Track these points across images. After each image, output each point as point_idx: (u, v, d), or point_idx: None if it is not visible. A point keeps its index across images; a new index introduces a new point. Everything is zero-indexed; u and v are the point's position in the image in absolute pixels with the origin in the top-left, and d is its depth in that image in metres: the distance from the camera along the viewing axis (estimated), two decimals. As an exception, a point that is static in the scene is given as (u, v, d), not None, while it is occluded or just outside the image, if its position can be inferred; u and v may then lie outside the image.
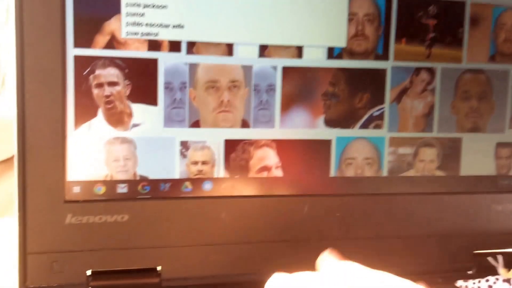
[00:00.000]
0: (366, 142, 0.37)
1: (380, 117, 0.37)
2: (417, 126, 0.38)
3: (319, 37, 0.36)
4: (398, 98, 0.38)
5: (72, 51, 0.32)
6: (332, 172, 0.37)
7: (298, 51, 0.36)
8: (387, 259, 0.37)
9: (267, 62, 0.35)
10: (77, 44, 0.32)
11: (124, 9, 0.33)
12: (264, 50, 0.35)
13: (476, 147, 0.39)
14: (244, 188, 0.36)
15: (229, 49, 0.35)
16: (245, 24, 0.35)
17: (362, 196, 0.37)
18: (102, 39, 0.33)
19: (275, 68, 0.36)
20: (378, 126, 0.37)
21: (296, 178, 0.37)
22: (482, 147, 0.39)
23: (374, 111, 0.37)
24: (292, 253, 0.36)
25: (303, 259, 0.36)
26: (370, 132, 0.37)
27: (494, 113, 0.39)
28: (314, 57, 0.36)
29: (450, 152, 0.39)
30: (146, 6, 0.33)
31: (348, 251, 0.37)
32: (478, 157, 0.39)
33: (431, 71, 0.38)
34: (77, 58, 0.32)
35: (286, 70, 0.36)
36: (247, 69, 0.35)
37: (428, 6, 0.37)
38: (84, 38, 0.32)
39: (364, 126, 0.37)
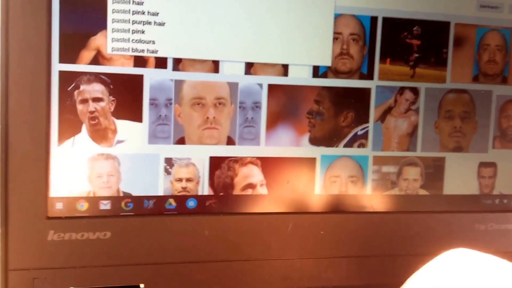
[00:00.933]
0: (350, 160, 0.38)
1: (365, 136, 0.38)
2: (401, 145, 0.39)
3: (305, 56, 0.36)
4: (383, 117, 0.38)
5: (57, 66, 0.32)
6: (317, 190, 0.37)
7: (284, 69, 0.36)
8: (370, 278, 0.37)
9: (253, 80, 0.36)
10: (62, 60, 0.32)
11: (110, 25, 0.33)
12: (250, 68, 0.36)
13: (459, 166, 0.40)
14: (228, 205, 0.36)
15: (215, 66, 0.35)
16: (231, 41, 0.35)
17: (346, 214, 0.38)
18: (87, 54, 0.33)
19: (261, 85, 0.36)
20: (362, 145, 0.38)
21: (281, 195, 0.37)
22: (465, 167, 0.40)
23: (359, 130, 0.38)
24: (277, 270, 0.36)
25: (287, 276, 0.36)
26: (354, 151, 0.38)
27: (477, 132, 0.40)
28: (300, 75, 0.36)
29: (434, 171, 0.39)
30: (133, 22, 0.33)
31: (332, 269, 0.37)
32: (461, 177, 0.40)
33: (415, 90, 0.38)
34: (62, 74, 0.32)
35: (272, 88, 0.36)
36: (233, 86, 0.35)
37: (413, 26, 0.38)
38: (69, 53, 0.32)
39: (349, 144, 0.37)
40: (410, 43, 0.38)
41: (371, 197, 0.38)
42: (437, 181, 0.40)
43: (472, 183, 0.40)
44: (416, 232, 0.38)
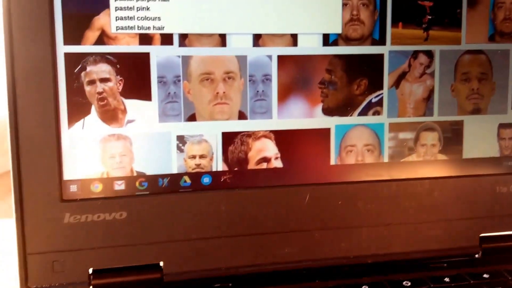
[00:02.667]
0: (365, 129, 0.37)
1: (379, 103, 0.37)
2: (417, 110, 0.38)
3: (314, 24, 0.35)
4: (397, 83, 0.37)
5: (62, 49, 0.32)
6: (333, 160, 0.37)
7: (293, 39, 0.35)
8: (392, 246, 0.37)
9: (261, 52, 0.35)
10: (66, 41, 0.32)
11: (113, 4, 0.32)
12: (258, 40, 0.35)
13: (478, 129, 0.39)
14: (243, 180, 0.35)
15: (222, 39, 0.34)
16: (237, 13, 0.34)
17: (363, 183, 0.37)
18: (92, 35, 0.32)
19: (270, 57, 0.35)
20: (377, 113, 0.37)
21: (296, 168, 0.36)
22: (484, 129, 0.39)
23: (373, 97, 0.37)
24: (295, 243, 0.36)
25: (305, 249, 0.36)
26: (369, 119, 0.37)
27: (495, 94, 0.39)
28: (309, 45, 0.36)
29: (452, 136, 0.38)
30: (135, -1, 0.33)
31: (353, 240, 0.37)
32: (480, 139, 0.39)
33: (429, 54, 0.37)
34: (67, 56, 0.32)
35: (282, 59, 0.35)
36: (241, 59, 0.35)
37: (424, -13, 0.36)
38: (73, 34, 0.32)
39: (363, 113, 0.37)
40: (422, 5, 0.37)
41: (389, 165, 0.37)
42: (456, 145, 0.39)
43: (492, 145, 0.39)
44: (435, 198, 0.38)
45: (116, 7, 0.32)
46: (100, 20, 0.32)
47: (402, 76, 0.37)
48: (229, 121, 0.35)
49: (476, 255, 0.39)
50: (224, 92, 0.35)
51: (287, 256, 0.36)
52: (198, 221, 0.34)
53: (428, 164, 0.38)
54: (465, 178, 0.38)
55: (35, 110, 0.31)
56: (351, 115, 0.37)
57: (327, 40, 0.36)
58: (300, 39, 0.35)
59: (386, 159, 0.37)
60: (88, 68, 0.32)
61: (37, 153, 0.32)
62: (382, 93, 0.37)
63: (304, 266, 0.36)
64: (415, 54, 0.37)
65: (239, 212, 0.35)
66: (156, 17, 0.33)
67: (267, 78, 0.35)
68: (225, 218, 0.35)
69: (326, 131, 0.36)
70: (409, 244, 0.38)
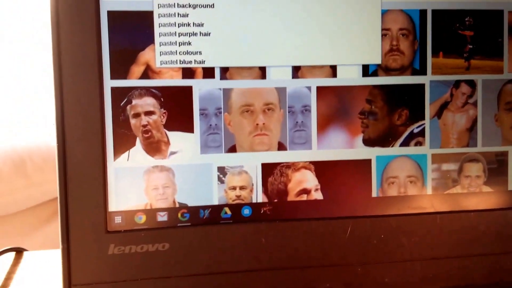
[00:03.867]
0: (407, 160, 0.37)
1: (421, 133, 0.37)
2: (460, 141, 0.37)
3: (353, 55, 0.36)
4: (439, 113, 0.37)
5: (109, 83, 0.33)
6: (374, 192, 0.37)
7: (332, 70, 0.36)
8: (437, 281, 0.36)
9: (300, 83, 0.36)
10: (113, 76, 0.33)
11: (157, 39, 0.34)
12: (297, 71, 0.35)
13: (524, 159, 0.38)
14: (283, 212, 0.36)
15: (262, 72, 0.35)
16: (277, 46, 0.35)
17: (407, 216, 0.36)
18: (137, 69, 0.34)
19: (309, 88, 0.36)
20: (419, 143, 0.37)
21: (337, 200, 0.36)
22: (531, 160, 0.38)
23: (415, 128, 0.37)
24: (337, 278, 0.36)
25: (348, 284, 0.36)
26: (411, 150, 0.37)
27: (542, 123, 0.38)
28: (349, 76, 0.36)
29: (497, 166, 0.38)
30: (179, 34, 0.34)
31: (397, 274, 0.36)
32: (527, 170, 0.38)
33: (471, 83, 0.37)
34: (114, 90, 0.33)
35: (321, 90, 0.36)
36: (281, 91, 0.35)
37: (464, 17, 0.37)
38: (120, 69, 0.33)
39: (405, 143, 0.37)
40: (463, 35, 0.37)
41: (432, 197, 0.37)
42: (501, 176, 0.38)
43: (539, 177, 0.38)
44: (482, 231, 0.37)
45: (160, 42, 0.34)
46: (145, 55, 0.34)
47: (444, 106, 0.37)
48: (268, 152, 0.35)
49: (526, 291, 0.37)
50: (263, 123, 0.35)
51: (329, 290, 0.36)
52: (238, 253, 0.35)
53: (473, 196, 0.37)
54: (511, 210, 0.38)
55: (82, 142, 0.33)
56: (392, 146, 0.37)
57: (366, 70, 0.36)
58: (339, 70, 0.36)
59: (429, 191, 0.37)
60: (134, 102, 0.34)
61: (84, 184, 0.33)
62: (424, 124, 0.37)
63: (346, 300, 0.36)
64: (456, 83, 0.37)
65: (279, 245, 0.35)
66: (197, 52, 0.34)
67: (306, 109, 0.36)
68: (265, 250, 0.35)
69: (367, 162, 0.36)
70: (455, 279, 0.37)
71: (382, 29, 0.36)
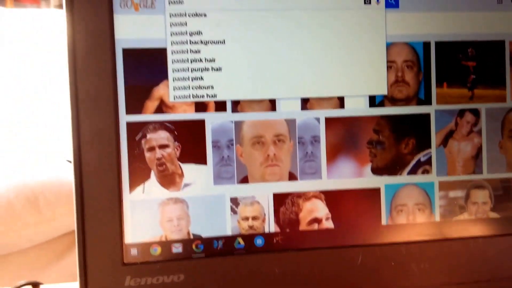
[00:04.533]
0: (415, 188, 0.38)
1: (428, 161, 0.38)
2: (466, 168, 0.38)
3: (360, 87, 0.37)
4: (445, 142, 0.38)
5: (125, 118, 0.34)
6: (384, 220, 0.37)
7: (340, 102, 0.37)
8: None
9: (310, 115, 0.37)
10: (129, 111, 0.34)
11: (171, 75, 0.35)
12: (306, 103, 0.37)
13: (529, 186, 0.39)
14: (295, 241, 0.36)
15: (272, 104, 0.36)
16: (286, 79, 0.36)
17: (416, 243, 0.37)
18: (151, 104, 0.35)
19: (318, 119, 0.37)
20: (426, 171, 0.38)
21: (348, 228, 0.37)
22: (536, 186, 0.39)
23: (421, 156, 0.38)
24: (349, 305, 0.36)
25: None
26: (418, 178, 0.38)
27: (545, 150, 0.39)
28: (356, 106, 0.37)
29: (503, 193, 0.39)
30: (192, 70, 0.35)
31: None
32: (532, 196, 0.39)
33: (475, 112, 0.38)
34: (129, 125, 0.35)
35: (329, 121, 0.37)
36: (290, 122, 0.37)
37: (467, 48, 0.38)
38: (135, 105, 0.35)
39: (412, 172, 0.38)
40: (466, 65, 0.38)
41: (441, 224, 0.38)
42: (507, 202, 0.39)
43: (545, 202, 0.39)
44: (490, 256, 0.38)
45: (173, 78, 0.35)
46: (159, 91, 0.35)
47: (449, 135, 0.38)
48: (280, 182, 0.36)
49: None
50: (274, 154, 0.36)
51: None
52: (252, 283, 0.35)
53: (480, 223, 0.38)
54: (519, 236, 0.38)
55: (99, 175, 0.34)
56: (400, 174, 0.38)
57: (373, 101, 0.37)
58: (346, 101, 0.37)
59: (437, 218, 0.38)
60: (148, 136, 0.35)
61: (101, 217, 0.34)
62: (430, 152, 0.38)
63: (359, 328, 0.36)
64: (461, 113, 0.38)
65: (293, 274, 0.36)
66: (209, 86, 0.36)
67: (315, 140, 0.37)
68: (279, 279, 0.36)
69: (376, 191, 0.37)
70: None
71: (388, 61, 0.37)
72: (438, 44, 0.38)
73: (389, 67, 0.37)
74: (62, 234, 0.77)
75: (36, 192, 0.74)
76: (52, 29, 0.96)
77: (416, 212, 0.38)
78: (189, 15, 0.35)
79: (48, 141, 0.89)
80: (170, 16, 0.35)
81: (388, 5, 0.37)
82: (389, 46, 0.37)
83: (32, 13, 1.00)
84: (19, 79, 0.92)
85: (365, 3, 0.37)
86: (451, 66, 0.38)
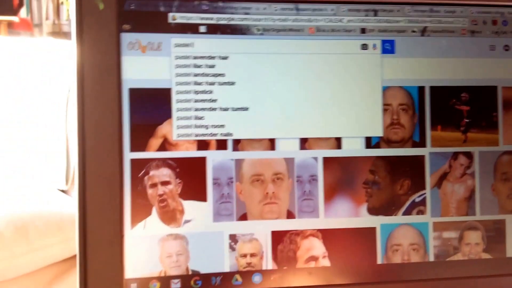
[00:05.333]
0: (410, 228, 0.39)
1: (422, 202, 0.39)
2: (459, 210, 0.40)
3: (357, 128, 0.39)
4: (439, 183, 0.39)
5: (129, 155, 0.36)
6: (379, 259, 0.38)
7: (337, 142, 0.38)
8: None
9: (308, 154, 0.38)
10: (133, 149, 0.36)
11: (175, 114, 0.36)
12: (304, 143, 0.38)
13: (521, 227, 0.40)
14: (293, 279, 0.37)
15: (271, 143, 0.38)
16: (285, 120, 0.38)
17: (411, 282, 0.38)
18: (155, 142, 0.36)
19: (316, 159, 0.38)
20: (421, 212, 0.39)
21: (344, 267, 0.38)
22: (527, 228, 0.40)
23: (416, 197, 0.39)
24: None
25: None
26: (413, 218, 0.39)
27: (536, 193, 0.41)
28: (353, 147, 0.39)
29: (495, 234, 0.40)
30: (195, 109, 0.37)
31: None
32: (524, 238, 0.40)
33: (469, 155, 0.40)
34: (133, 161, 0.36)
35: (327, 161, 0.38)
36: (289, 161, 0.38)
37: (460, 93, 0.40)
38: (139, 142, 0.36)
39: (407, 212, 0.39)
40: (460, 109, 0.40)
41: (434, 264, 0.39)
42: (499, 243, 0.40)
43: (536, 244, 0.40)
44: (483, 298, 0.39)
45: (177, 117, 0.36)
46: (163, 129, 0.36)
47: (443, 177, 0.39)
48: (278, 220, 0.38)
49: None
50: (273, 192, 0.38)
51: None
52: (249, 319, 0.36)
53: (473, 263, 0.39)
54: (510, 277, 0.39)
55: (102, 211, 0.35)
56: (395, 215, 0.39)
57: (369, 142, 0.39)
58: (344, 142, 0.38)
59: (431, 258, 0.39)
60: (151, 173, 0.36)
61: (102, 252, 0.34)
62: (425, 193, 0.39)
63: None
64: (455, 155, 0.40)
65: (289, 311, 0.37)
66: (212, 125, 0.37)
67: (313, 179, 0.38)
68: (275, 316, 0.36)
69: (372, 230, 0.38)
70: None
71: (384, 104, 0.39)
72: (433, 89, 0.39)
73: (385, 110, 0.39)
74: (51, 264, 0.77)
75: (26, 222, 0.75)
76: (46, 58, 0.97)
77: (411, 252, 0.39)
78: (194, 57, 0.37)
79: (39, 170, 0.90)
80: (175, 58, 0.36)
81: (384, 51, 0.39)
82: (385, 89, 0.39)
83: (26, 41, 1.02)
84: (9, 108, 0.94)
85: (362, 48, 0.38)
86: (445, 110, 0.40)
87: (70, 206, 0.80)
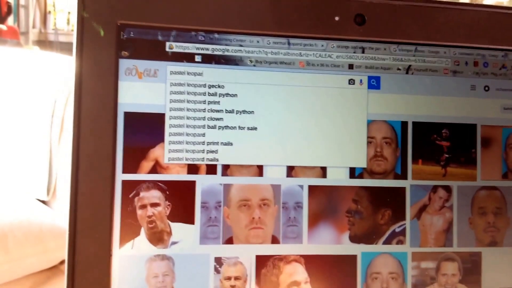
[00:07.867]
0: (390, 257, 0.41)
1: (402, 232, 0.41)
2: (437, 241, 0.42)
3: (341, 159, 0.41)
4: (418, 215, 0.42)
5: (120, 176, 0.37)
6: (359, 287, 0.40)
7: (323, 171, 0.41)
8: None
9: (294, 182, 0.40)
10: (125, 170, 0.38)
11: (167, 138, 0.38)
12: (291, 171, 0.40)
13: (495, 260, 0.42)
14: (274, 303, 0.39)
15: (259, 170, 0.40)
16: (274, 148, 0.40)
17: (388, 310, 0.40)
18: (147, 164, 0.38)
19: (301, 187, 0.40)
20: (400, 242, 0.41)
21: (324, 293, 0.40)
22: (501, 261, 0.43)
23: (396, 227, 0.41)
24: None
25: None
26: (393, 248, 0.41)
27: (510, 227, 0.43)
28: (337, 177, 0.41)
29: (471, 266, 0.42)
30: (187, 134, 0.39)
31: None
32: (498, 271, 0.42)
33: (448, 188, 0.42)
34: (124, 183, 0.38)
35: (312, 189, 0.40)
36: (276, 188, 0.40)
37: (441, 129, 0.42)
38: (131, 164, 0.38)
39: (387, 241, 0.41)
40: (440, 145, 0.42)
41: (412, 293, 0.41)
42: (475, 275, 0.42)
43: (510, 276, 0.42)
44: (458, 328, 0.40)
45: (169, 141, 0.38)
46: (155, 152, 0.38)
47: (423, 209, 0.42)
48: (263, 245, 0.39)
49: None
50: (259, 218, 0.39)
51: None
52: None
53: (449, 294, 0.41)
54: (485, 308, 0.41)
55: (92, 229, 0.36)
56: (376, 243, 0.41)
57: (353, 173, 0.41)
58: (329, 171, 0.41)
59: (409, 287, 0.41)
60: (141, 194, 0.38)
61: (90, 271, 0.36)
62: (404, 224, 0.41)
63: None
64: (434, 188, 0.42)
65: (270, 335, 0.38)
66: (202, 150, 0.39)
67: (298, 206, 0.40)
68: None
69: (353, 258, 0.40)
70: None
71: (368, 137, 0.41)
72: (415, 124, 0.42)
73: (369, 143, 0.41)
74: (29, 274, 0.78)
75: (5, 232, 0.76)
76: (31, 69, 0.99)
77: (390, 281, 0.41)
78: (188, 85, 0.39)
79: (20, 180, 0.91)
80: (171, 85, 0.38)
81: (370, 86, 0.41)
82: (369, 123, 0.41)
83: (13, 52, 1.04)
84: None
85: (350, 83, 0.41)
86: (426, 145, 0.42)
87: (50, 217, 0.81)
